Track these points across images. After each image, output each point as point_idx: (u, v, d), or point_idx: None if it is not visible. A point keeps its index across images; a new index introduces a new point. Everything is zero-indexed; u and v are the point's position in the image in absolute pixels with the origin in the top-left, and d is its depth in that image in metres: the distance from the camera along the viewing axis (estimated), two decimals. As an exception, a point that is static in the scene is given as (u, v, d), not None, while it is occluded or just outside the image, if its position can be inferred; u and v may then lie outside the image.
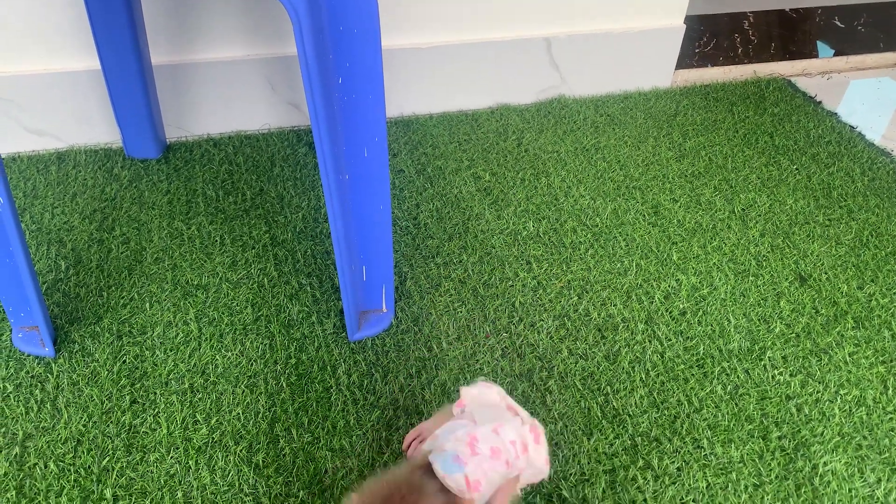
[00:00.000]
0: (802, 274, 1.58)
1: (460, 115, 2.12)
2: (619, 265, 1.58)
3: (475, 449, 0.89)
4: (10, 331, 1.36)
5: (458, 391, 1.09)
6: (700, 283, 1.54)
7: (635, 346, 1.40)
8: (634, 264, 1.58)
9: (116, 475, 1.15)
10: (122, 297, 1.46)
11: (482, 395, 1.04)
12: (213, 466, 1.17)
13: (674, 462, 1.20)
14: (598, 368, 1.35)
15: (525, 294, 1.50)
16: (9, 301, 1.30)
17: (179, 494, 1.13)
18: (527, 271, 1.55)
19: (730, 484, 1.17)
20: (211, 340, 1.37)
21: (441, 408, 1.15)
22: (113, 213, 1.67)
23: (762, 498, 1.15)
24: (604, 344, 1.40)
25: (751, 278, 1.56)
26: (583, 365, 1.36)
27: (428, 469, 0.88)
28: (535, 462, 0.96)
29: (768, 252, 1.63)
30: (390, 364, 1.35)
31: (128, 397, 1.27)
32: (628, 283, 1.53)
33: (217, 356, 1.34)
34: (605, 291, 1.51)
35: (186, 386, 1.29)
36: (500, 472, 0.91)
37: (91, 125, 1.88)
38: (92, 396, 1.26)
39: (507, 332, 1.42)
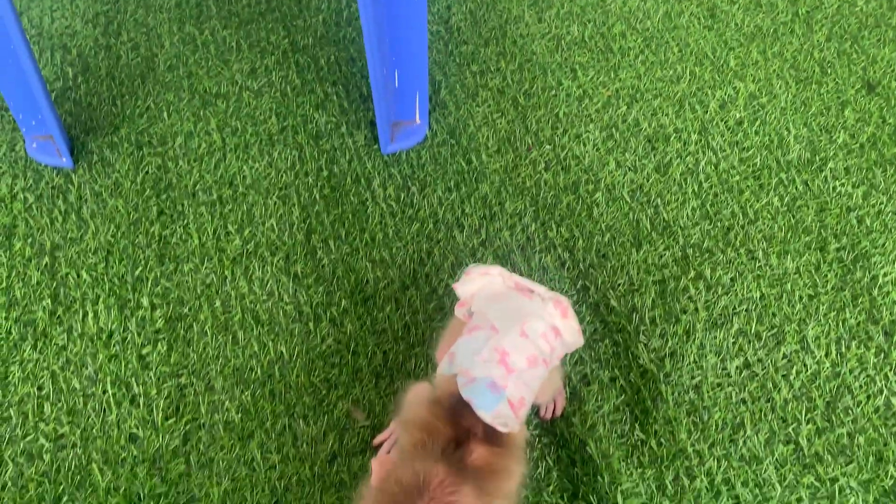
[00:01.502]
0: (871, 81, 1.45)
1: None
2: (671, 72, 1.45)
3: (509, 366, 0.76)
4: (24, 141, 1.28)
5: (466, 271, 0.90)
6: (759, 91, 1.42)
7: (688, 158, 1.31)
8: (688, 71, 1.45)
9: (151, 284, 1.12)
10: (138, 107, 1.36)
11: (484, 289, 0.87)
12: (251, 276, 1.13)
13: (727, 273, 1.15)
14: (648, 180, 1.27)
15: (569, 104, 1.39)
16: (18, 107, 1.21)
17: (218, 303, 1.10)
18: (571, 79, 1.43)
19: (784, 294, 1.13)
20: (236, 151, 1.29)
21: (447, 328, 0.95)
22: (117, 17, 1.53)
23: (817, 308, 1.11)
24: (654, 155, 1.31)
25: (814, 86, 1.44)
26: (631, 177, 1.28)
27: (455, 413, 0.73)
28: (567, 338, 0.84)
29: (834, 58, 1.49)
30: (427, 177, 1.27)
31: (154, 208, 1.21)
32: (681, 92, 1.41)
33: (244, 167, 1.27)
34: (656, 100, 1.40)
35: (215, 197, 1.23)
36: (541, 375, 0.79)
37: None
38: (117, 207, 1.20)
39: (550, 145, 1.33)
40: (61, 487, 0.93)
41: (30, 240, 1.16)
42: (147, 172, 1.25)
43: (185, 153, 1.28)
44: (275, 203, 1.22)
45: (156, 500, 0.91)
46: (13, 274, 1.12)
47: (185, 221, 1.19)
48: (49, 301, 1.09)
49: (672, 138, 1.34)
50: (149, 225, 1.19)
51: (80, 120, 1.33)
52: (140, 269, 1.13)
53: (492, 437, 0.72)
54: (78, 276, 1.12)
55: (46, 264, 1.13)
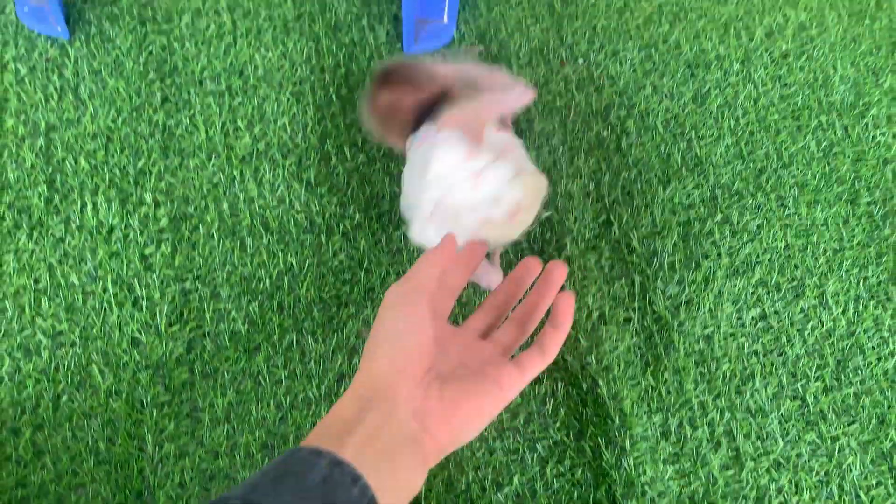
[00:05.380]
0: (927, 22, 1.36)
1: None
2: (720, -9, 1.34)
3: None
4: (14, 3, 1.17)
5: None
6: (809, 21, 1.33)
7: (727, 89, 1.24)
8: (738, -8, 1.35)
9: (155, 179, 1.05)
10: (140, -26, 1.23)
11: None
12: (261, 179, 1.07)
13: (754, 219, 1.11)
14: (684, 111, 1.21)
15: (609, 16, 1.29)
16: (7, -35, 1.09)
17: (225, 206, 1.04)
18: (612, -12, 1.32)
19: (809, 246, 1.10)
20: (247, 37, 1.19)
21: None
22: None
23: (840, 263, 1.09)
24: (693, 83, 1.24)
25: (867, 21, 1.34)
26: (667, 105, 1.21)
27: None
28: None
29: (892, -8, 1.39)
30: (451, 84, 1.19)
31: (158, 94, 1.12)
32: (728, 14, 1.32)
33: (256, 55, 1.17)
34: (700, 21, 1.30)
35: (223, 87, 1.14)
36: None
37: None
38: (118, 89, 1.12)
39: (584, 60, 1.24)
40: (60, 386, 0.91)
41: (23, 117, 1.08)
42: (150, 52, 1.15)
43: (191, 34, 1.18)
44: (288, 100, 1.14)
45: (159, 408, 0.90)
46: (6, 154, 1.05)
47: (192, 111, 1.11)
48: (45, 188, 1.03)
49: (713, 66, 1.25)
50: (152, 112, 1.10)
51: (75, -16, 1.21)
52: (143, 160, 1.06)
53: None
54: (76, 162, 1.05)
55: (41, 146, 1.06)
